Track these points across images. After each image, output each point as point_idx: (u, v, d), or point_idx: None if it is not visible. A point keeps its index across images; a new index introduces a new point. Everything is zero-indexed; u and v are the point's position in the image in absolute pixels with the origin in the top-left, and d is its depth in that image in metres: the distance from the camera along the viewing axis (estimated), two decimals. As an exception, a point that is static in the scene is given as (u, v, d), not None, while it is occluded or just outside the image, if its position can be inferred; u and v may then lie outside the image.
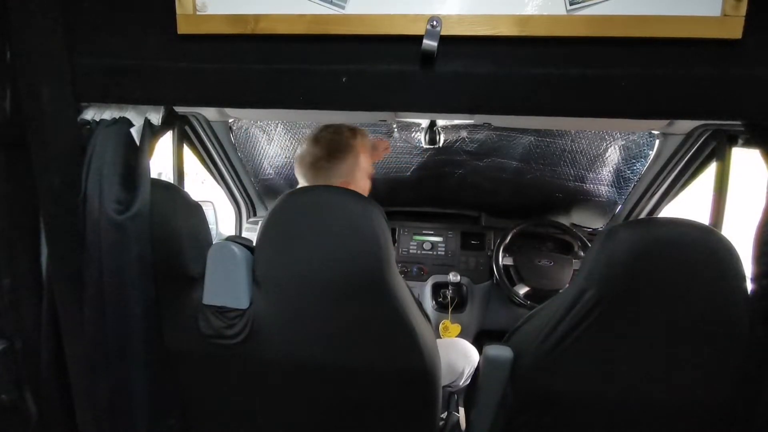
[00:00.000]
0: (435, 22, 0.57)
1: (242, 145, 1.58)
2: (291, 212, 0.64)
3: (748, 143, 0.88)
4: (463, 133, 1.45)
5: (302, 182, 1.11)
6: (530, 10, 0.56)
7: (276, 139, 1.56)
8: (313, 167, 1.06)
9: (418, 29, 0.57)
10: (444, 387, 1.17)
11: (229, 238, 0.68)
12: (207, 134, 1.44)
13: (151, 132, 0.70)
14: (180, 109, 1.18)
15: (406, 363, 0.68)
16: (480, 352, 1.14)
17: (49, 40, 0.61)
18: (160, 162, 1.34)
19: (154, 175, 0.67)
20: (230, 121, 1.47)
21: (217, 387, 0.74)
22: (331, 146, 1.05)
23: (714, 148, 1.09)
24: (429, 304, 1.59)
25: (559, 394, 0.67)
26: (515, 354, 0.69)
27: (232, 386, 0.73)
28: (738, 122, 0.83)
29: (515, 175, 1.57)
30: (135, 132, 0.68)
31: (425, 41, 0.57)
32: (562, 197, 1.63)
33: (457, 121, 1.34)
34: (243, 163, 1.64)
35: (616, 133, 1.34)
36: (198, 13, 0.61)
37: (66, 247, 0.65)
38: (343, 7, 0.58)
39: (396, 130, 1.48)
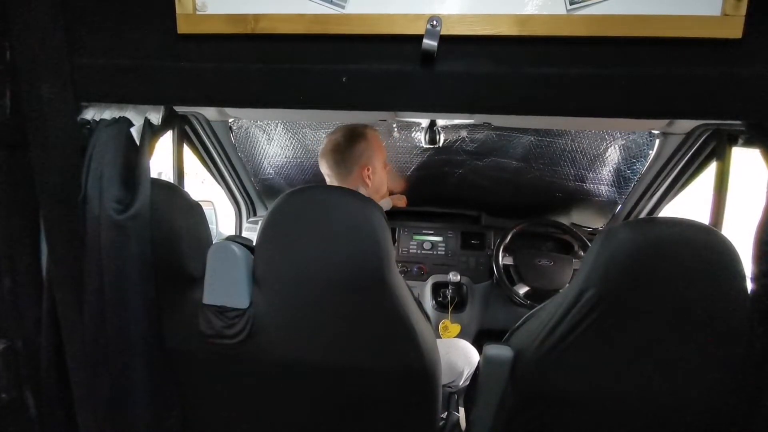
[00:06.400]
0: (435, 22, 0.57)
1: (242, 145, 1.58)
2: (291, 212, 0.64)
3: (748, 143, 0.88)
4: (463, 133, 1.45)
5: (326, 173, 1.29)
6: (530, 9, 0.56)
7: (276, 139, 1.56)
8: (333, 152, 1.24)
9: (418, 29, 0.57)
10: (443, 386, 1.17)
11: (229, 238, 0.67)
12: (207, 134, 1.44)
13: (151, 132, 0.70)
14: (180, 109, 1.18)
15: (406, 362, 0.68)
16: (480, 351, 1.14)
17: (49, 40, 0.61)
18: (160, 162, 1.35)
19: (154, 174, 0.67)
20: (230, 120, 1.47)
21: (217, 387, 0.74)
22: (346, 131, 1.26)
23: (714, 148, 1.09)
24: (429, 303, 1.59)
25: (559, 394, 0.67)
26: (515, 354, 0.69)
27: (232, 386, 0.73)
28: (738, 122, 0.83)
29: (515, 174, 1.57)
30: (135, 132, 0.68)
31: (425, 41, 0.57)
32: (562, 197, 1.63)
33: (457, 121, 1.34)
34: (243, 162, 1.65)
35: (616, 133, 1.34)
36: (198, 12, 0.61)
37: (66, 247, 0.65)
38: (343, 7, 0.58)
39: (396, 129, 1.48)
